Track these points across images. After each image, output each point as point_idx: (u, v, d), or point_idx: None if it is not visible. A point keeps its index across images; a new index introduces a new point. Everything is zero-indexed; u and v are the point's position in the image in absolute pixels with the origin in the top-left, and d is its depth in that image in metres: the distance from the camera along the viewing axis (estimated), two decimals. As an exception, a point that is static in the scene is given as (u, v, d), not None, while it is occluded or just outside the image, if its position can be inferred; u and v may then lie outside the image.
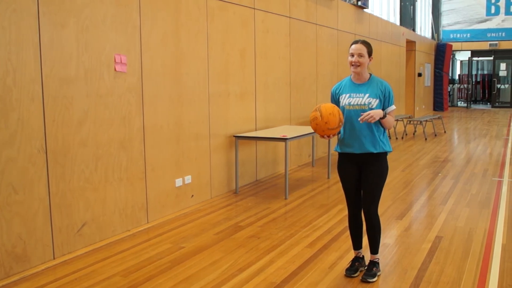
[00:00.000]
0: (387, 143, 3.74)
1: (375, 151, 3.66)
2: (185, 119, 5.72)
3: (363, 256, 3.97)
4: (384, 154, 3.73)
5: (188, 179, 5.79)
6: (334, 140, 9.91)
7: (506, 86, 23.44)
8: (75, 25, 4.29)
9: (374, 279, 3.75)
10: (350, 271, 3.87)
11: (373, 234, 3.79)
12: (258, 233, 4.90)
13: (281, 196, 6.39)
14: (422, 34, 20.56)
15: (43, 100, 4.02)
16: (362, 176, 3.74)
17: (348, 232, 4.86)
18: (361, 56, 3.62)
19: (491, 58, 23.74)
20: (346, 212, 5.61)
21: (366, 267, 3.87)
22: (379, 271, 3.86)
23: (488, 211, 5.61)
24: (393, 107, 3.70)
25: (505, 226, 5.04)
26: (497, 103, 23.48)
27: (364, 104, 3.64)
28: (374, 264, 3.84)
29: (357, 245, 3.95)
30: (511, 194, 6.41)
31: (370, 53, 3.67)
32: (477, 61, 25.54)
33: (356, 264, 3.91)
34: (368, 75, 3.74)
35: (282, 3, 7.92)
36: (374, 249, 3.83)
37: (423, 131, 12.83)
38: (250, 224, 5.18)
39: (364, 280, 3.74)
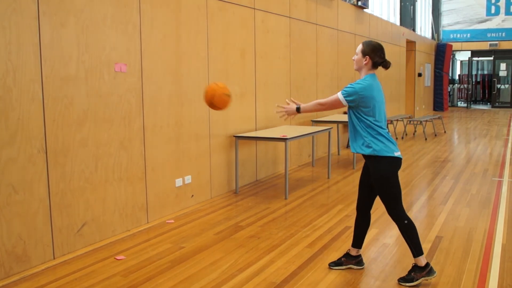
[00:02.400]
0: (374, 145, 3.55)
1: (354, 151, 3.71)
2: (185, 119, 5.71)
3: (347, 253, 3.99)
4: (374, 157, 3.58)
5: (188, 179, 5.79)
6: (335, 141, 9.89)
7: (506, 86, 23.43)
8: (75, 25, 4.29)
9: (407, 284, 3.61)
10: (331, 263, 3.99)
11: (404, 237, 3.69)
12: (258, 233, 4.90)
13: (281, 196, 6.39)
14: (422, 34, 20.56)
15: (43, 100, 4.02)
16: None
17: (348, 232, 4.88)
18: (355, 54, 3.73)
19: (491, 58, 23.73)
20: (346, 212, 5.63)
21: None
22: (419, 277, 3.61)
23: (488, 211, 5.60)
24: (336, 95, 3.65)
25: (505, 226, 5.04)
26: (497, 103, 23.48)
27: None
28: (412, 268, 3.68)
29: (353, 241, 3.99)
30: (511, 194, 6.41)
31: (364, 52, 3.62)
32: (477, 61, 25.54)
33: (343, 259, 3.97)
34: (364, 76, 3.66)
35: (282, 3, 7.92)
36: (411, 252, 3.69)
37: (423, 131, 12.84)
38: (250, 224, 5.18)
39: (398, 282, 3.68)
